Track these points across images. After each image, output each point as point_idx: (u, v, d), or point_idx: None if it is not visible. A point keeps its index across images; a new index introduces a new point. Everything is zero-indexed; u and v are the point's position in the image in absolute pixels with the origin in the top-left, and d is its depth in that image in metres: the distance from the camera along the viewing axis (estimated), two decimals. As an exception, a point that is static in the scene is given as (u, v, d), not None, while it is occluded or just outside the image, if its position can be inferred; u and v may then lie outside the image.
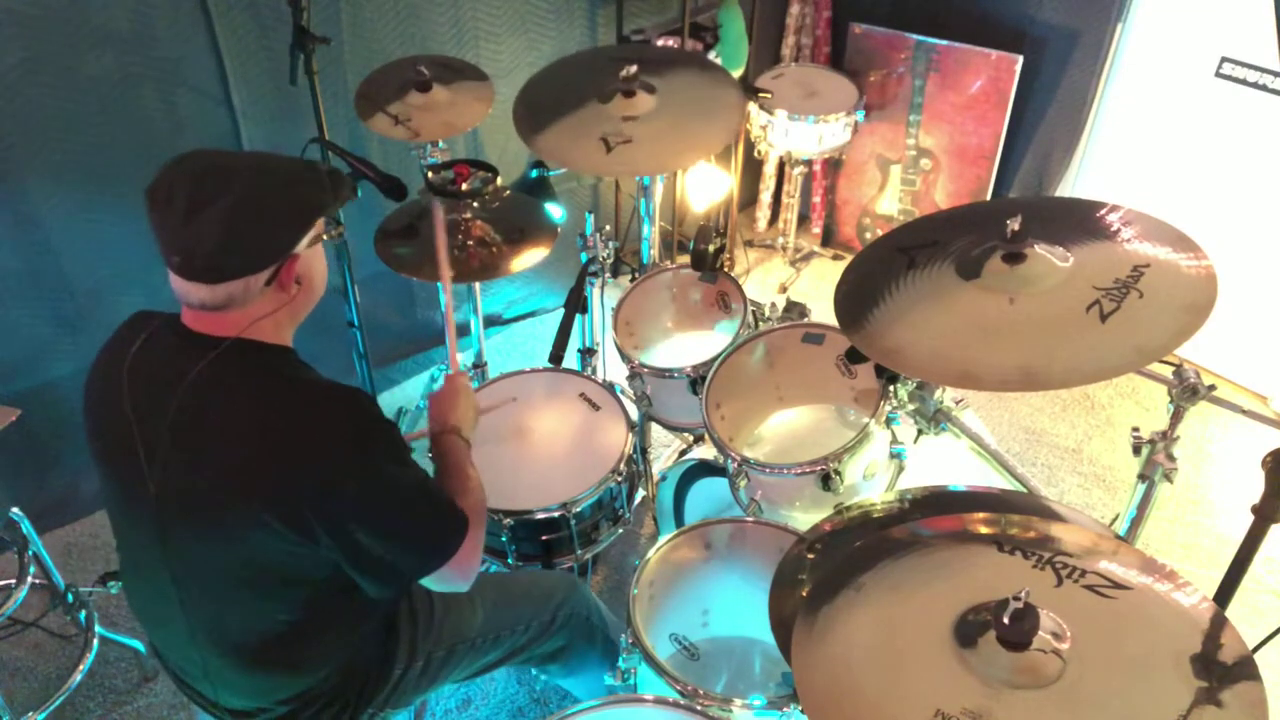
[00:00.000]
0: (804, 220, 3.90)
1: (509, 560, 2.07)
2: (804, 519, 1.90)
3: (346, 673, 1.60)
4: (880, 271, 1.59)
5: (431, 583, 1.50)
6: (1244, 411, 3.02)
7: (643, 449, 2.40)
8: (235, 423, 1.37)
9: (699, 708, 1.58)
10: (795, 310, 2.27)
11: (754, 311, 2.26)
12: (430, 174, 2.38)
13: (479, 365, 2.85)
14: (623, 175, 3.27)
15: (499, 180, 2.41)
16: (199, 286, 1.35)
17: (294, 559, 1.40)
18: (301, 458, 1.36)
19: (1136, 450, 1.67)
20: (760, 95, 3.04)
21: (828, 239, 3.90)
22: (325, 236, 1.45)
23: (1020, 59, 3.19)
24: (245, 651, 1.49)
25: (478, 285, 2.70)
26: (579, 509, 2.01)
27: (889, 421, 1.93)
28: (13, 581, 2.25)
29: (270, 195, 1.36)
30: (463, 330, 3.11)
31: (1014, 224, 1.47)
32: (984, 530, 1.40)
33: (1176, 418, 1.61)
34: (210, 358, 1.37)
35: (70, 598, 2.38)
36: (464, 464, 1.65)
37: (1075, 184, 3.37)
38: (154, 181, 1.34)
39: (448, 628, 1.74)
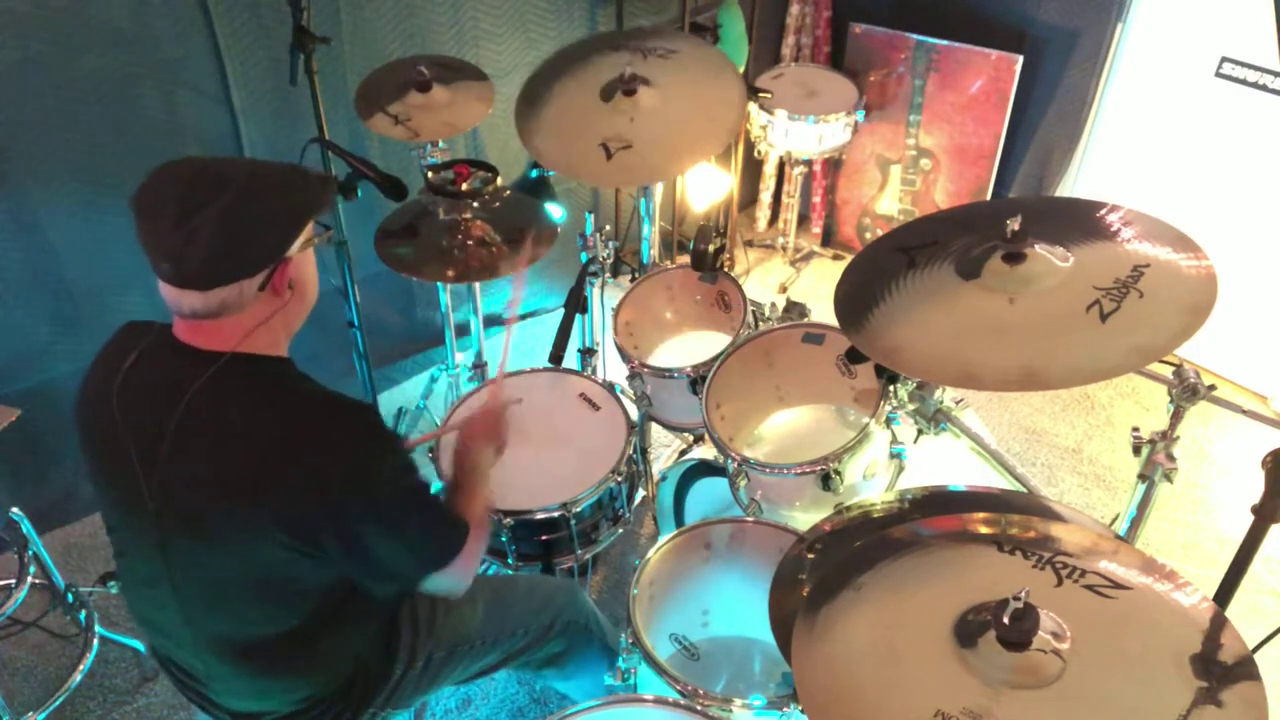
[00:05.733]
0: (804, 220, 3.90)
1: (509, 560, 2.07)
2: (804, 519, 1.90)
3: (348, 675, 1.60)
4: (880, 271, 1.59)
5: (428, 584, 1.51)
6: (1244, 411, 3.01)
7: (643, 449, 2.40)
8: (237, 437, 1.36)
9: (699, 708, 1.58)
10: (795, 310, 2.27)
11: (754, 311, 2.26)
12: (430, 174, 2.38)
13: (479, 365, 2.85)
14: (624, 185, 3.27)
15: (499, 180, 2.41)
16: (191, 294, 1.32)
17: (298, 568, 1.40)
18: (309, 470, 1.35)
19: (1136, 450, 1.67)
20: (760, 95, 3.04)
21: (828, 239, 3.90)
22: (315, 241, 1.43)
23: (1020, 59, 3.19)
24: (247, 657, 1.49)
25: (478, 285, 2.70)
26: (579, 509, 2.01)
27: (889, 421, 1.93)
28: (13, 581, 2.25)
29: (262, 198, 1.34)
30: (462, 330, 3.11)
31: (1014, 224, 1.47)
32: (984, 530, 1.40)
33: (1176, 418, 1.61)
34: (208, 374, 1.36)
35: (70, 598, 2.39)
36: (477, 481, 1.65)
37: (1075, 184, 3.37)
38: (139, 190, 1.32)
39: (447, 629, 1.74)
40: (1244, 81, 2.85)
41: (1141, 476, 1.69)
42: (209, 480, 1.37)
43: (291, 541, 1.36)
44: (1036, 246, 1.48)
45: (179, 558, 1.44)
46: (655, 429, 2.69)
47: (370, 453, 1.39)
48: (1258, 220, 2.97)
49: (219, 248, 1.30)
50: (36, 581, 2.30)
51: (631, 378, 2.30)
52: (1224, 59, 2.87)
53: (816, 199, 3.83)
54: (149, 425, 1.38)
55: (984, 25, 3.27)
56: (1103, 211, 1.58)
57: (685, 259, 2.34)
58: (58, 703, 2.34)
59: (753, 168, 3.76)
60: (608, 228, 2.36)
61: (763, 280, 3.75)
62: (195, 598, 1.46)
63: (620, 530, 2.15)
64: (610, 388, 2.23)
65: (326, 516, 1.36)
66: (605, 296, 2.47)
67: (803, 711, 1.52)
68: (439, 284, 2.72)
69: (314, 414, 1.40)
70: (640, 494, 2.36)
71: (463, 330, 3.12)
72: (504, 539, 2.02)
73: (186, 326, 1.39)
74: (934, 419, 2.09)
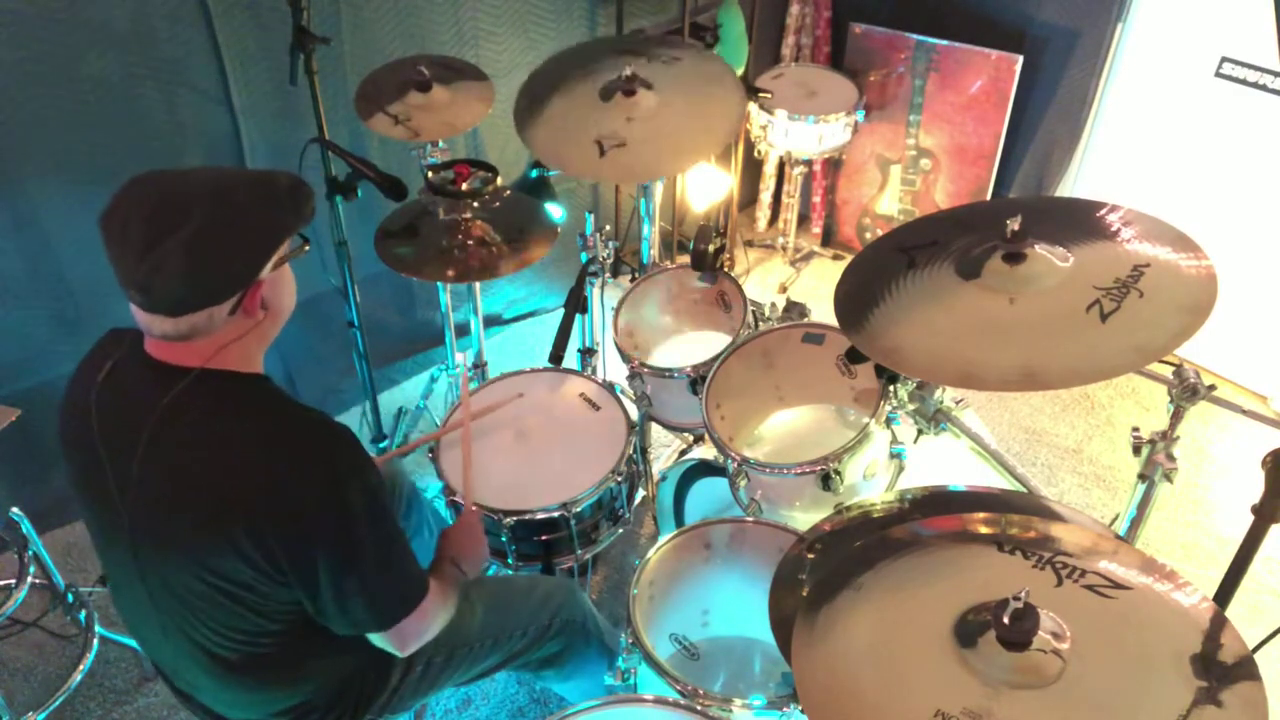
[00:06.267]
0: (804, 220, 3.90)
1: (509, 560, 2.07)
2: (804, 519, 1.90)
3: (344, 681, 1.59)
4: (880, 271, 1.59)
5: (374, 639, 1.49)
6: (1244, 411, 3.03)
7: (643, 449, 2.40)
8: (206, 452, 1.34)
9: (699, 708, 1.58)
10: (795, 310, 2.27)
11: (754, 311, 2.26)
12: (430, 174, 2.38)
13: (479, 365, 2.85)
14: (619, 181, 3.27)
15: (499, 180, 2.41)
16: (161, 319, 1.31)
17: (266, 586, 1.38)
18: (278, 486, 1.33)
19: (1136, 450, 1.67)
20: (760, 95, 3.04)
21: (828, 239, 3.90)
22: (291, 255, 1.39)
23: (1020, 59, 3.19)
24: (236, 668, 1.48)
25: (478, 285, 2.70)
26: (579, 509, 2.01)
27: (889, 421, 1.93)
28: (13, 581, 2.25)
29: (230, 223, 1.30)
30: (462, 330, 3.11)
31: (1014, 224, 1.47)
32: (984, 530, 1.40)
33: (1176, 418, 1.61)
34: (177, 390, 1.34)
35: (70, 598, 2.39)
36: (456, 572, 1.65)
37: (1075, 184, 3.37)
38: (107, 210, 1.30)
39: (446, 633, 1.73)
40: (1244, 81, 2.85)
41: (1141, 476, 1.69)
42: (177, 494, 1.36)
43: (256, 558, 1.34)
44: (1036, 246, 1.48)
45: (151, 569, 1.43)
46: (655, 429, 2.69)
47: (341, 473, 1.37)
48: (1258, 220, 2.97)
49: (186, 276, 1.27)
50: (36, 581, 2.30)
51: (631, 378, 2.30)
52: (1224, 59, 2.87)
53: (816, 199, 3.83)
54: (122, 437, 1.37)
55: (984, 25, 3.27)
56: (1103, 211, 1.58)
57: (685, 259, 2.34)
58: (58, 703, 2.34)
59: (753, 168, 3.76)
60: (608, 228, 2.36)
61: (763, 280, 3.75)
62: (169, 609, 1.45)
63: (620, 530, 2.15)
64: (610, 388, 2.23)
65: (289, 535, 1.34)
66: (605, 296, 2.47)
67: (803, 711, 1.52)
68: (439, 284, 2.72)
69: (285, 431, 1.38)
70: (640, 494, 2.36)
71: (463, 330, 3.12)
72: (504, 539, 2.02)
73: (156, 344, 1.37)
74: (934, 419, 2.09)
